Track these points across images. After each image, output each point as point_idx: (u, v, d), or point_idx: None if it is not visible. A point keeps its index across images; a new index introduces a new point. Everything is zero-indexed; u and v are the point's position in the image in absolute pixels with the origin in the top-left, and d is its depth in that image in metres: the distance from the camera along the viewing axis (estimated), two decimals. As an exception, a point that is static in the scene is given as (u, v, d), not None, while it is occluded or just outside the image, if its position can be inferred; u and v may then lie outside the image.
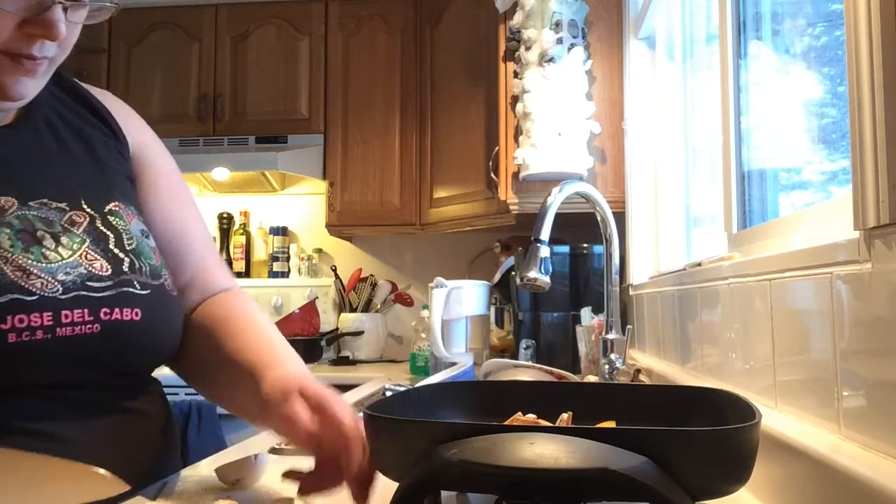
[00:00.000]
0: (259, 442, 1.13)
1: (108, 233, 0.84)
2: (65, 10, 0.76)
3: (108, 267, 0.81)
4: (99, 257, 0.81)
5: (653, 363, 1.65)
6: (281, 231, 3.33)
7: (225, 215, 3.37)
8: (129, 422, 0.85)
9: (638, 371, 1.48)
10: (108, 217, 0.85)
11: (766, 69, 1.29)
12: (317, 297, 3.22)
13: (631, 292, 2.08)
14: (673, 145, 2.01)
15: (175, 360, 0.96)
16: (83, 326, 0.77)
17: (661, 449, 0.55)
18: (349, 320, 3.12)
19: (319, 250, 3.36)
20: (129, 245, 0.86)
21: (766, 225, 1.11)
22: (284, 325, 3.04)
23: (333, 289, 3.26)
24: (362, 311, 3.16)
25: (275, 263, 3.30)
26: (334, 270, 3.22)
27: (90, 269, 0.80)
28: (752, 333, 0.93)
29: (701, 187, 1.83)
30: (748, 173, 1.30)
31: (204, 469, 0.95)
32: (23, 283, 0.74)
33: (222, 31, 3.14)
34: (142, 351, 0.86)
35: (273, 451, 1.06)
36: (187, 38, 3.15)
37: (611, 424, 0.78)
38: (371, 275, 3.26)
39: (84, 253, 0.80)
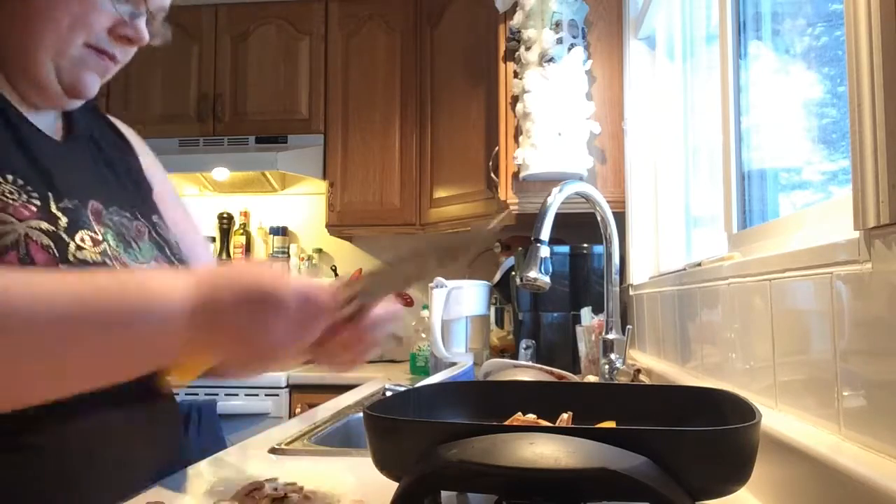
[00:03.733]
0: (258, 442, 1.13)
1: (162, 243, 0.92)
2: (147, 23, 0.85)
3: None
4: (164, 263, 0.89)
5: (653, 363, 1.65)
6: (281, 231, 3.33)
7: (225, 215, 3.37)
8: (155, 416, 0.89)
9: (638, 371, 1.47)
10: (157, 228, 0.93)
11: (766, 69, 1.29)
12: (317, 297, 3.21)
13: (631, 292, 2.08)
14: (673, 145, 2.01)
15: None
16: None
17: (661, 449, 0.55)
18: (349, 320, 3.11)
19: (319, 250, 3.35)
20: (176, 254, 0.93)
21: (766, 225, 1.11)
22: (284, 325, 3.04)
23: (333, 289, 3.26)
24: (362, 311, 3.15)
25: (275, 263, 3.30)
26: (334, 270, 3.22)
27: None
28: (752, 333, 0.92)
29: (701, 187, 1.83)
30: (748, 173, 1.30)
31: (204, 469, 0.95)
32: None
33: (222, 31, 3.14)
34: None
35: (273, 451, 1.06)
36: (187, 38, 3.15)
37: (611, 424, 0.78)
38: (371, 275, 3.25)
39: (155, 257, 0.88)
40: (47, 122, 0.87)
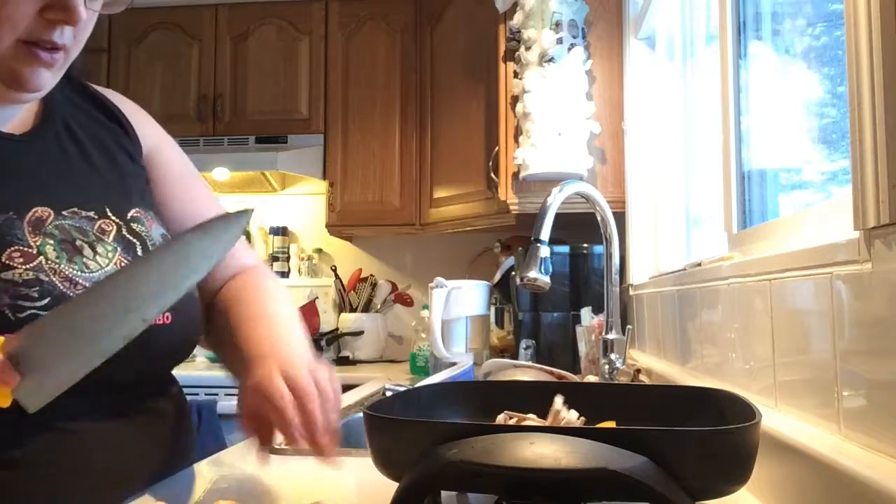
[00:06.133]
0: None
1: (135, 240, 0.85)
2: None
3: None
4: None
5: (653, 363, 1.65)
6: (281, 231, 3.32)
7: (225, 215, 3.37)
8: (149, 422, 0.86)
9: (638, 371, 1.47)
10: (132, 224, 0.86)
11: (766, 69, 1.29)
12: (317, 297, 3.21)
13: (631, 292, 2.08)
14: (673, 145, 2.01)
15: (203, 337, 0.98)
16: None
17: (661, 449, 0.55)
18: (349, 320, 3.12)
19: (319, 250, 3.35)
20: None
21: (766, 225, 1.11)
22: (284, 325, 3.04)
23: (333, 289, 3.26)
24: (362, 311, 3.16)
25: (275, 263, 3.30)
26: (334, 270, 3.22)
27: None
28: (752, 333, 0.92)
29: (701, 187, 1.83)
30: (748, 173, 1.30)
31: (205, 469, 0.95)
32: (70, 294, 0.74)
33: (222, 31, 3.14)
34: (170, 353, 0.88)
35: (273, 451, 1.06)
36: (187, 38, 3.15)
37: (611, 424, 0.78)
38: (371, 275, 3.26)
39: (118, 261, 0.81)
40: (7, 115, 0.82)
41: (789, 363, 0.80)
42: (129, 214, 0.87)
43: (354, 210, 3.05)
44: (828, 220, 0.85)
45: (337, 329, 3.18)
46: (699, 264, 1.27)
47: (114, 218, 0.84)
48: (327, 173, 3.06)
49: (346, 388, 2.09)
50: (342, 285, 3.20)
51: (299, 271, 3.30)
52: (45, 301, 0.72)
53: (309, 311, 3.12)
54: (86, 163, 0.87)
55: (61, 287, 0.74)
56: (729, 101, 1.30)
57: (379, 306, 3.20)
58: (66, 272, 0.75)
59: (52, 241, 0.76)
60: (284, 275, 3.29)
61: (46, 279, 0.73)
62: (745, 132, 1.30)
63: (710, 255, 1.28)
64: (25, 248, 0.74)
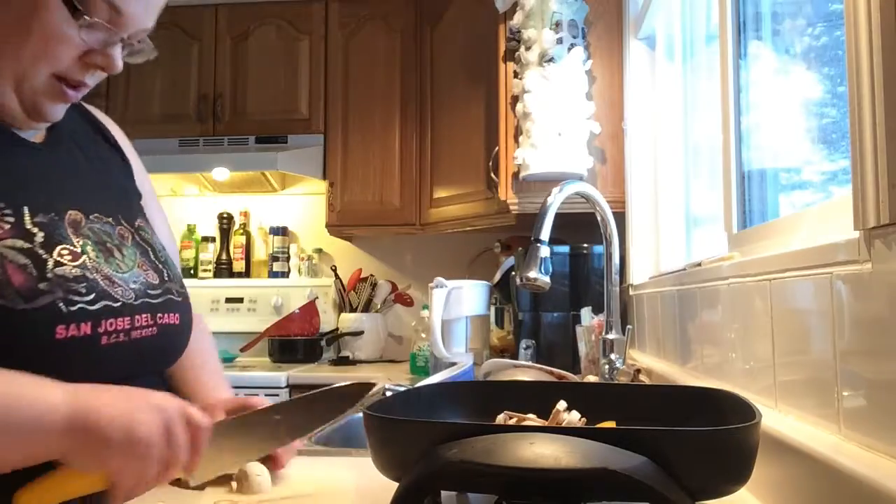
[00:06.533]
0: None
1: (147, 246, 0.92)
2: (123, 46, 0.81)
3: (156, 276, 0.89)
4: (149, 268, 0.89)
5: (653, 363, 1.65)
6: (281, 231, 3.32)
7: (225, 215, 3.37)
8: None
9: (638, 371, 1.47)
10: (140, 232, 0.92)
11: (766, 69, 1.29)
12: (317, 297, 3.21)
13: (631, 292, 2.08)
14: (673, 145, 2.01)
15: None
16: (147, 329, 0.84)
17: (661, 449, 0.55)
18: (349, 320, 3.12)
19: (319, 250, 3.35)
20: (161, 257, 0.93)
21: (766, 225, 1.11)
22: (284, 325, 3.04)
23: (333, 289, 3.26)
24: (362, 311, 3.16)
25: (275, 263, 3.30)
26: (334, 270, 3.22)
27: (147, 278, 0.87)
28: (752, 333, 0.93)
29: (701, 187, 1.83)
30: (748, 173, 1.30)
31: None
32: (110, 291, 0.80)
33: (222, 31, 3.14)
34: (179, 349, 0.94)
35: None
36: (187, 38, 3.15)
37: (611, 424, 0.78)
38: (371, 275, 3.26)
39: (140, 263, 0.88)
40: (26, 135, 0.86)
41: (789, 363, 0.80)
42: (136, 223, 0.92)
43: (354, 210, 3.05)
44: (828, 220, 0.85)
45: (337, 329, 3.18)
46: (699, 264, 1.27)
47: (126, 225, 0.90)
48: (327, 173, 3.06)
49: (346, 388, 2.09)
50: (342, 285, 3.20)
51: (299, 271, 3.30)
52: (91, 296, 0.77)
53: (309, 311, 3.12)
54: (95, 175, 0.92)
55: (103, 284, 0.79)
56: (729, 101, 1.30)
57: (379, 306, 3.20)
58: (106, 271, 0.81)
59: (90, 242, 0.82)
60: (284, 275, 3.30)
61: (91, 276, 0.79)
62: (745, 132, 1.30)
63: (711, 255, 1.28)
64: (71, 247, 0.79)
